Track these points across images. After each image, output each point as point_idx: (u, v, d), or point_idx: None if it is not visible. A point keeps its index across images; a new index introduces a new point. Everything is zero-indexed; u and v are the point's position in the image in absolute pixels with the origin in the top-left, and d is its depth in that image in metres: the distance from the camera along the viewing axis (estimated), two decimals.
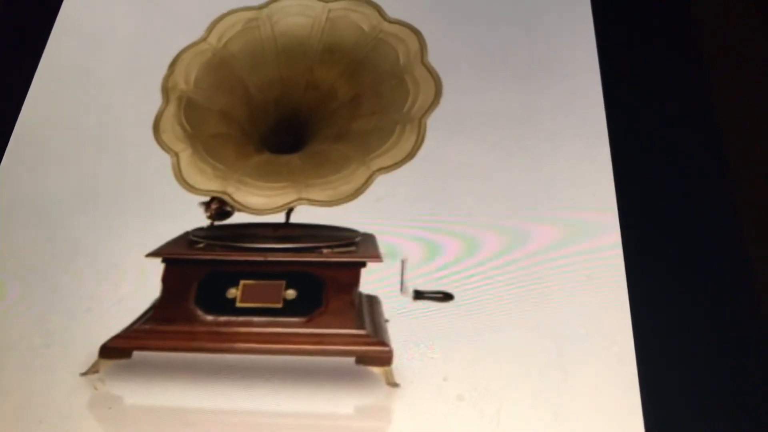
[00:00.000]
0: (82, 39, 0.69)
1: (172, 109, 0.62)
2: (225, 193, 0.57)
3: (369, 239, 0.55)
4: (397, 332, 0.51)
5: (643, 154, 0.57)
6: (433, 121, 0.59)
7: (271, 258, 0.54)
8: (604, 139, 0.58)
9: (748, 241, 0.53)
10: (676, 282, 0.52)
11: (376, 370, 0.49)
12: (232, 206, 0.57)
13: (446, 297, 0.51)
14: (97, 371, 0.51)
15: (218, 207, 0.57)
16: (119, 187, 0.60)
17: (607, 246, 0.53)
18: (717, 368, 0.49)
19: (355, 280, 0.52)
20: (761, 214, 0.55)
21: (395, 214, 0.56)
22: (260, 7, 0.66)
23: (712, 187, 0.56)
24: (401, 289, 0.52)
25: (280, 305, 0.52)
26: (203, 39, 0.65)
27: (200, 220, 0.57)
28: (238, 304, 0.52)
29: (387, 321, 0.51)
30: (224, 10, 0.67)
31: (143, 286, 0.54)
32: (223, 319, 0.52)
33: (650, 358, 0.48)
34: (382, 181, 0.57)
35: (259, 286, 0.53)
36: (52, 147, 0.63)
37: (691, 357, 0.49)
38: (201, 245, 0.55)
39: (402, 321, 0.51)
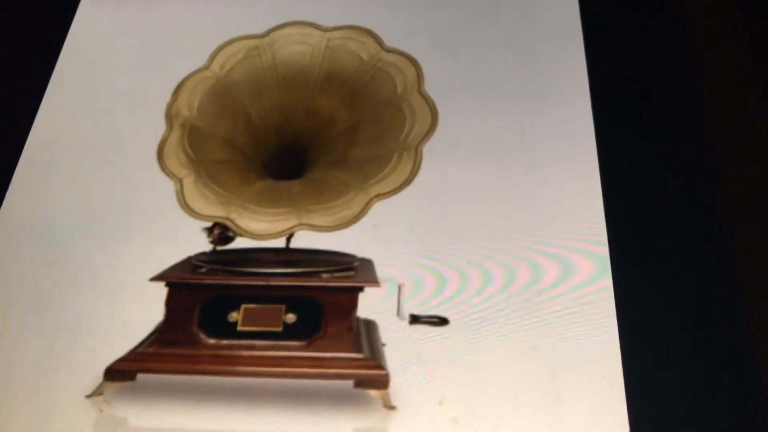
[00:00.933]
0: (90, 64, 0.71)
1: (175, 135, 0.64)
2: (228, 218, 0.59)
3: (367, 264, 0.56)
4: (393, 356, 0.52)
5: (634, 178, 0.59)
6: (429, 148, 0.61)
7: (272, 282, 0.55)
8: (594, 163, 0.59)
9: (737, 269, 0.55)
10: (664, 308, 0.53)
11: (374, 393, 0.51)
12: (234, 231, 0.58)
13: (442, 321, 0.53)
14: (101, 393, 0.52)
15: (221, 232, 0.58)
16: (124, 212, 0.61)
17: (598, 272, 0.54)
18: (704, 392, 0.50)
19: (353, 305, 0.54)
20: (752, 242, 0.57)
21: (393, 240, 0.57)
22: (262, 36, 0.68)
23: (702, 214, 0.57)
24: (398, 314, 0.53)
25: (280, 329, 0.53)
26: (206, 67, 0.67)
27: (203, 245, 0.58)
28: (240, 328, 0.54)
29: (384, 345, 0.53)
30: (227, 38, 0.68)
31: (147, 310, 0.55)
32: (225, 342, 0.53)
33: (638, 380, 0.49)
34: (379, 207, 0.58)
35: (259, 310, 0.54)
36: (59, 170, 0.64)
37: (678, 381, 0.50)
38: (204, 270, 0.56)
39: (399, 345, 0.52)
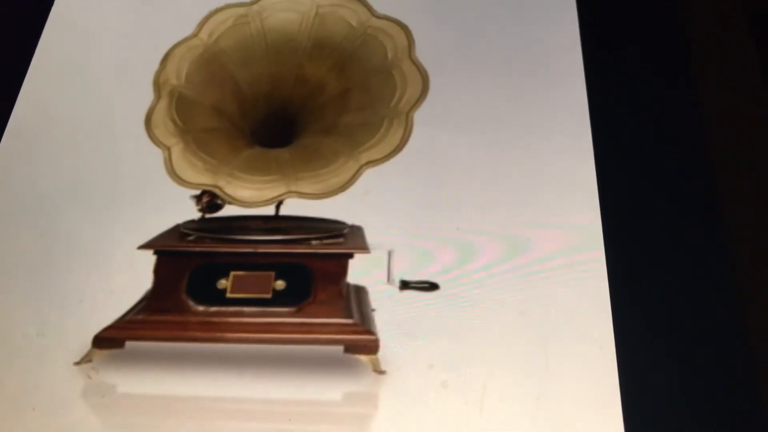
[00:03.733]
0: (75, 34, 0.70)
1: (163, 104, 0.63)
2: (216, 186, 0.58)
3: (357, 231, 0.56)
4: (383, 321, 0.52)
5: (626, 146, 0.58)
6: (420, 116, 0.60)
7: (260, 249, 0.55)
8: (588, 136, 0.59)
9: (728, 229, 0.55)
10: (656, 272, 0.53)
11: (364, 358, 0.51)
12: (222, 199, 0.58)
13: (432, 287, 0.53)
14: (90, 360, 0.52)
15: (209, 200, 0.58)
16: (112, 181, 0.61)
17: (589, 238, 0.54)
18: (693, 355, 0.50)
19: (343, 271, 0.54)
20: (746, 213, 0.56)
21: (383, 207, 0.57)
22: (250, 3, 0.67)
23: (696, 185, 0.57)
24: (388, 279, 0.53)
25: (269, 296, 0.53)
26: (194, 35, 0.66)
27: (191, 213, 0.58)
28: (229, 295, 0.53)
29: (374, 310, 0.52)
30: (216, 6, 0.67)
31: (135, 278, 0.55)
32: (213, 309, 0.53)
33: (629, 344, 0.49)
34: (370, 175, 0.58)
35: (248, 277, 0.54)
36: (45, 142, 0.63)
37: (668, 343, 0.50)
38: (192, 237, 0.56)
39: (388, 310, 0.52)
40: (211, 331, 0.53)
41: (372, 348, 0.51)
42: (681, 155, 0.58)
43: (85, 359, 0.52)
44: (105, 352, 0.52)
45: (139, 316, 0.53)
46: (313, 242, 0.55)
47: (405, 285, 0.53)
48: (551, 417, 0.48)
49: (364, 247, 0.54)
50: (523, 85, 0.62)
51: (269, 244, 0.55)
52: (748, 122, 0.61)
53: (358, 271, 0.54)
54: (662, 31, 0.64)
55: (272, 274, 0.54)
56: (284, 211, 0.58)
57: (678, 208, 0.56)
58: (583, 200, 0.55)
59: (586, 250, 0.53)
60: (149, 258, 0.56)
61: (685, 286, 0.52)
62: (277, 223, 0.57)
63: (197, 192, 0.58)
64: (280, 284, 0.53)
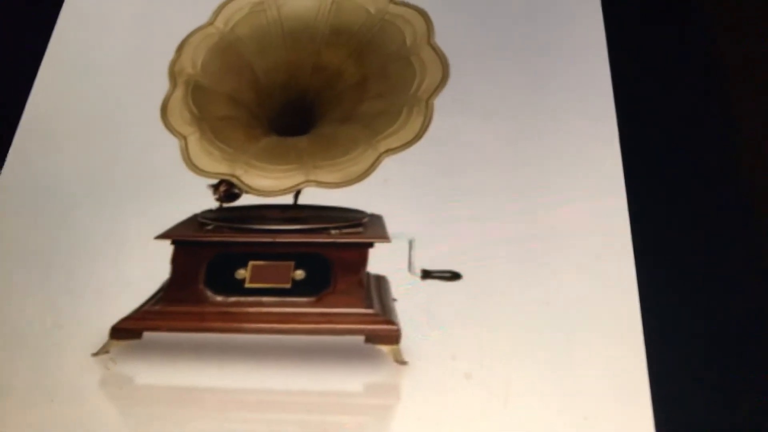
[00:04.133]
0: (89, 25, 0.69)
1: (179, 93, 0.62)
2: (233, 175, 0.57)
3: (377, 220, 0.55)
4: (405, 311, 0.51)
5: (651, 135, 0.57)
6: (440, 103, 0.59)
7: (279, 239, 0.54)
8: (613, 120, 0.57)
9: (757, 221, 0.53)
10: (684, 262, 0.52)
11: (385, 348, 0.50)
12: (240, 188, 0.57)
13: (454, 276, 0.51)
14: (107, 351, 0.52)
15: (226, 189, 0.57)
16: (128, 171, 0.60)
17: (616, 226, 0.52)
18: (723, 349, 0.49)
19: (363, 260, 0.53)
20: None
21: (403, 195, 0.56)
22: None
23: (720, 167, 0.56)
24: (409, 269, 0.52)
25: (288, 285, 0.52)
26: (210, 23, 0.65)
27: (209, 202, 0.57)
28: (247, 285, 0.53)
29: (395, 300, 0.51)
30: None
31: (153, 268, 0.54)
32: (232, 299, 0.52)
33: (658, 338, 0.48)
34: (389, 163, 0.57)
35: (267, 267, 0.53)
36: (61, 133, 0.63)
37: (698, 338, 0.49)
38: (210, 227, 0.55)
39: (410, 300, 0.51)
40: (229, 321, 0.52)
41: (393, 338, 0.50)
42: (708, 137, 0.57)
43: (103, 350, 0.52)
44: (123, 343, 0.52)
45: (157, 307, 0.53)
46: (333, 231, 0.54)
47: (427, 274, 0.52)
48: (577, 411, 0.46)
49: (384, 236, 0.53)
50: (544, 69, 0.61)
51: (288, 234, 0.54)
52: None
53: (379, 260, 0.53)
54: (693, 11, 0.63)
55: (291, 263, 0.53)
56: (303, 200, 0.57)
57: (707, 193, 0.54)
58: (609, 187, 0.54)
59: (613, 239, 0.52)
60: (166, 248, 0.55)
61: (717, 276, 0.51)
62: (295, 212, 0.56)
63: (214, 181, 0.58)
64: (299, 274, 0.52)
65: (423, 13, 0.63)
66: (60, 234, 0.58)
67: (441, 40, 0.62)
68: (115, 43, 0.68)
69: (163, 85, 0.63)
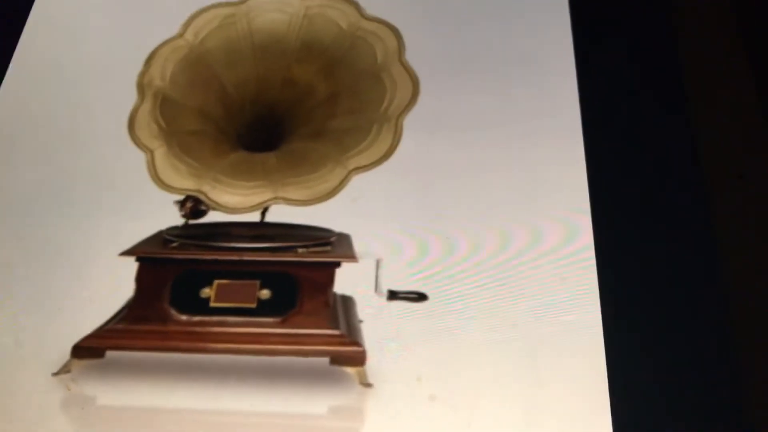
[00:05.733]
0: (57, 33, 0.68)
1: (147, 105, 0.62)
2: (200, 191, 0.57)
3: (344, 239, 0.55)
4: (371, 332, 0.51)
5: (618, 155, 0.58)
6: (410, 121, 0.59)
7: (245, 257, 0.53)
8: (579, 140, 0.58)
9: (719, 242, 0.54)
10: (647, 283, 0.52)
11: (350, 370, 0.50)
12: (207, 205, 0.57)
13: (420, 297, 0.52)
14: (69, 371, 0.51)
15: (193, 206, 0.56)
16: (93, 185, 0.59)
17: (580, 247, 0.53)
18: (686, 369, 0.49)
19: (330, 280, 0.52)
20: (733, 215, 0.56)
21: (371, 214, 0.56)
22: (238, 3, 0.66)
23: (685, 188, 0.56)
24: (376, 290, 0.52)
25: (254, 305, 0.52)
26: (180, 35, 0.64)
27: (175, 218, 0.57)
28: (212, 304, 0.52)
29: (361, 321, 0.51)
30: (202, 5, 0.66)
31: (116, 286, 0.54)
32: (197, 318, 0.52)
33: (620, 359, 0.49)
34: (358, 181, 0.57)
35: (233, 286, 0.52)
36: (25, 143, 0.62)
37: (661, 358, 0.50)
38: (175, 244, 0.54)
39: (376, 321, 0.51)
40: (194, 341, 0.51)
41: (359, 360, 0.50)
42: (672, 160, 0.57)
43: (64, 370, 0.51)
44: (84, 363, 0.51)
45: (120, 325, 0.52)
46: (300, 250, 0.53)
47: (393, 295, 0.52)
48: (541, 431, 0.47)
49: (351, 256, 0.53)
50: (514, 88, 0.61)
51: (254, 252, 0.54)
52: (739, 128, 0.60)
53: (346, 280, 0.53)
54: (655, 36, 0.64)
55: (257, 282, 0.52)
56: (270, 217, 0.57)
57: (669, 215, 0.55)
58: (575, 208, 0.55)
59: (578, 261, 0.52)
60: (131, 265, 0.54)
61: (678, 297, 0.51)
62: (262, 230, 0.56)
63: (181, 197, 0.57)
64: (265, 293, 0.52)
65: (394, 30, 0.63)
66: (22, 248, 0.57)
67: (411, 56, 0.62)
68: (83, 53, 0.67)
69: (131, 96, 0.62)
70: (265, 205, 0.56)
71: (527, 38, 0.63)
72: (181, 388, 0.50)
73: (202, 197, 0.57)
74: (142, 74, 0.63)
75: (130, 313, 0.53)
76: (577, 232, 0.54)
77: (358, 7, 0.64)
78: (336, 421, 0.48)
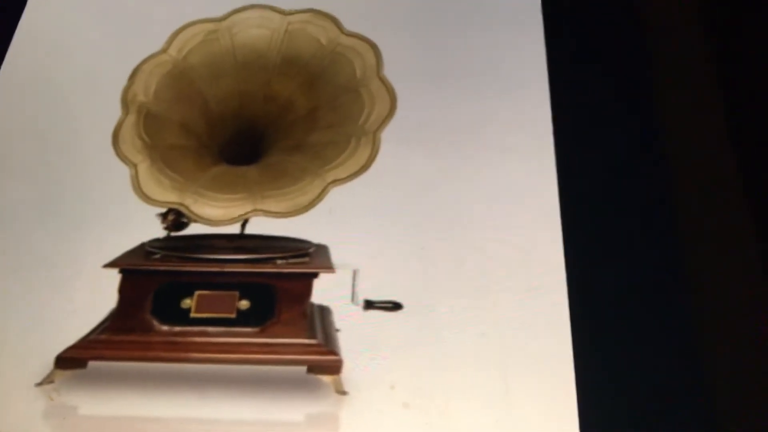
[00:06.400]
0: (44, 48, 0.69)
1: (131, 120, 0.63)
2: (182, 204, 0.58)
3: (322, 250, 0.56)
4: (347, 341, 0.52)
5: (588, 168, 0.59)
6: (387, 134, 0.61)
7: (226, 269, 0.55)
8: (551, 152, 0.59)
9: (690, 253, 0.55)
10: (616, 293, 0.54)
11: (327, 378, 0.51)
12: (188, 217, 0.58)
13: (395, 307, 0.53)
14: (52, 381, 0.52)
15: (175, 218, 0.58)
16: (76, 197, 0.60)
17: (550, 257, 0.54)
18: (654, 377, 0.51)
19: (308, 291, 0.54)
20: (701, 226, 0.57)
21: (348, 226, 0.57)
22: (221, 19, 0.67)
23: (655, 200, 0.58)
24: (352, 299, 0.53)
25: (233, 315, 0.53)
26: (163, 50, 0.66)
27: (157, 231, 0.58)
28: (193, 315, 0.53)
29: (338, 330, 0.53)
30: (185, 21, 0.67)
31: (99, 297, 0.55)
32: (178, 329, 0.53)
33: (587, 368, 0.50)
34: (336, 193, 0.58)
35: (213, 297, 0.54)
36: (9, 156, 0.63)
37: (629, 367, 0.51)
38: (157, 256, 0.56)
39: (352, 330, 0.52)
40: (175, 351, 0.52)
41: (335, 369, 0.51)
42: (644, 176, 0.59)
43: (47, 380, 0.52)
44: (67, 373, 0.52)
45: (103, 336, 0.53)
46: (279, 261, 0.55)
47: (369, 305, 0.53)
48: None
49: (329, 267, 0.55)
50: (489, 102, 0.63)
51: (235, 263, 0.55)
52: (705, 139, 0.62)
53: (323, 290, 0.54)
54: (627, 48, 0.65)
55: (236, 293, 0.53)
56: (250, 229, 0.58)
57: (640, 228, 0.56)
58: (546, 220, 0.56)
59: (547, 272, 0.54)
60: (114, 276, 0.55)
61: (645, 307, 0.53)
62: (242, 241, 0.57)
63: (163, 210, 0.58)
64: (244, 304, 0.53)
65: (373, 46, 0.64)
66: (5, 259, 0.58)
67: (389, 70, 0.63)
68: (70, 67, 0.68)
69: (115, 110, 0.63)
70: (245, 217, 0.58)
71: (501, 51, 0.65)
72: (163, 397, 0.51)
73: (184, 210, 0.58)
74: (126, 89, 0.65)
75: (112, 323, 0.54)
76: (547, 241, 0.55)
77: (337, 23, 0.66)
78: (313, 428, 0.49)
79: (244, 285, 0.54)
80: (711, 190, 0.59)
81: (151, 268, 0.55)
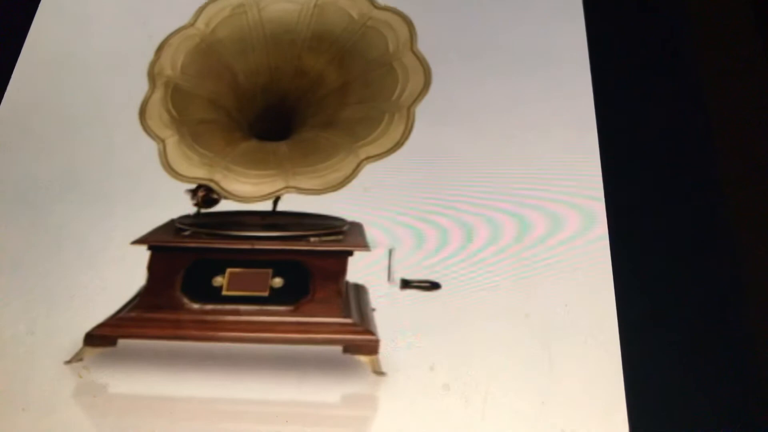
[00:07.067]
0: (68, 21, 0.68)
1: (158, 95, 0.61)
2: (212, 180, 0.57)
3: (356, 228, 0.54)
4: (383, 321, 0.50)
5: (631, 144, 0.57)
6: (421, 110, 0.59)
7: (257, 246, 0.53)
8: (593, 129, 0.58)
9: (736, 232, 0.54)
10: (661, 273, 0.52)
11: (363, 358, 0.49)
12: (218, 194, 0.56)
13: (433, 286, 0.51)
14: (81, 359, 0.51)
15: (205, 194, 0.56)
16: (105, 174, 0.59)
17: (594, 236, 0.53)
18: (699, 357, 0.49)
19: (342, 269, 0.52)
20: (749, 205, 0.55)
21: (384, 203, 0.56)
22: None
23: (700, 178, 0.56)
24: (388, 278, 0.52)
25: (266, 294, 0.52)
26: (191, 24, 0.64)
27: (187, 207, 0.56)
28: (225, 293, 0.52)
29: (374, 310, 0.51)
30: None
31: (129, 274, 0.54)
32: (209, 307, 0.52)
33: (634, 348, 0.48)
34: (370, 170, 0.57)
35: (245, 275, 0.52)
36: (37, 132, 0.62)
37: (674, 346, 0.49)
38: (187, 233, 0.54)
39: (389, 310, 0.51)
40: (206, 329, 0.51)
41: (372, 348, 0.49)
42: (686, 149, 0.57)
43: (76, 358, 0.51)
44: (97, 351, 0.51)
45: (132, 314, 0.52)
46: (312, 239, 0.53)
47: (406, 284, 0.52)
48: (555, 421, 0.46)
49: (363, 245, 0.53)
50: (526, 78, 0.61)
51: (267, 241, 0.54)
52: (752, 118, 0.60)
53: (358, 269, 0.53)
54: (672, 23, 0.63)
55: (270, 271, 0.52)
56: (282, 206, 0.56)
57: (685, 206, 0.54)
58: (588, 198, 0.54)
59: (592, 251, 0.52)
60: (143, 253, 0.54)
61: (693, 284, 0.51)
62: (274, 219, 0.56)
63: (193, 186, 0.57)
64: (277, 282, 0.52)
65: (406, 19, 0.62)
66: (34, 237, 0.56)
67: (423, 45, 0.62)
68: (94, 42, 0.67)
69: (142, 85, 0.62)
70: (277, 194, 0.56)
71: (539, 26, 0.63)
72: (193, 377, 0.50)
73: (213, 186, 0.56)
74: (153, 63, 0.63)
75: (142, 301, 0.52)
76: (590, 220, 0.53)
77: None
78: (349, 409, 0.48)
79: (277, 263, 0.53)
80: (760, 159, 0.57)
81: (182, 245, 0.54)
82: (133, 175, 0.58)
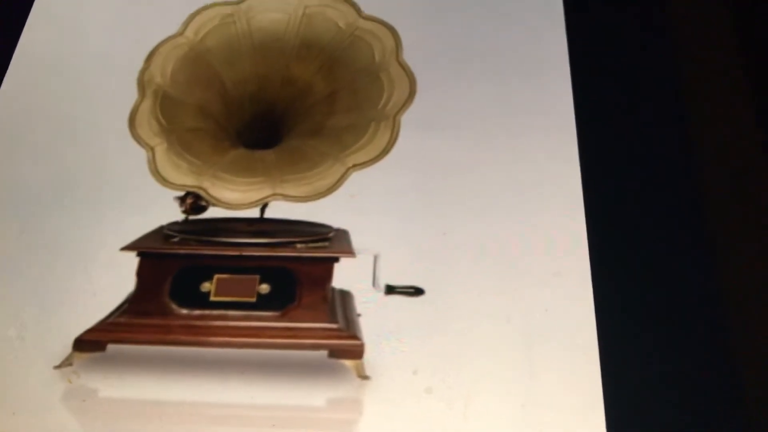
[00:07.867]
0: (59, 28, 0.69)
1: (148, 103, 0.62)
2: (200, 187, 0.58)
3: (342, 235, 0.55)
4: (369, 326, 0.52)
5: (611, 152, 0.59)
6: (407, 117, 0.60)
7: (245, 253, 0.54)
8: (573, 136, 0.59)
9: (713, 238, 0.55)
10: (639, 278, 0.53)
11: (348, 363, 0.50)
12: (207, 201, 0.57)
13: (417, 291, 0.52)
14: (71, 364, 0.51)
15: (193, 201, 0.57)
16: (95, 180, 0.60)
17: (574, 242, 0.54)
18: (676, 360, 0.50)
19: (328, 275, 0.53)
20: (727, 210, 0.57)
21: (369, 210, 0.57)
22: (238, 2, 0.67)
23: (679, 185, 0.57)
24: (373, 284, 0.53)
25: (254, 299, 0.53)
26: (180, 33, 0.65)
27: (175, 214, 0.57)
28: (213, 298, 0.53)
29: (359, 315, 0.52)
30: (202, 3, 0.67)
31: (118, 280, 0.54)
32: (197, 312, 0.53)
33: (612, 351, 0.49)
34: (356, 177, 0.58)
35: (233, 281, 0.53)
36: (27, 138, 0.62)
37: (651, 350, 0.50)
38: (176, 239, 0.55)
39: (374, 315, 0.52)
40: (194, 334, 0.52)
41: (356, 353, 0.50)
42: (667, 159, 0.58)
43: (66, 363, 0.51)
44: (86, 356, 0.52)
45: (122, 319, 0.53)
46: (299, 246, 0.54)
47: (390, 289, 0.53)
48: (535, 425, 0.48)
49: (349, 251, 0.54)
50: (510, 87, 0.62)
51: (254, 247, 0.55)
52: (732, 123, 0.61)
53: (344, 275, 0.54)
54: (653, 33, 0.65)
55: (257, 277, 0.53)
56: (269, 213, 0.57)
57: (663, 213, 0.56)
58: (569, 205, 0.55)
59: (572, 256, 0.53)
60: (132, 259, 0.55)
61: (671, 292, 0.52)
62: (262, 225, 0.57)
63: (181, 193, 0.58)
64: (264, 288, 0.53)
65: (392, 30, 0.64)
66: (24, 242, 0.57)
67: (409, 55, 0.63)
68: (86, 48, 0.67)
69: (132, 93, 0.63)
70: (264, 201, 0.57)
71: (523, 35, 0.64)
72: (182, 381, 0.51)
73: (202, 193, 0.57)
74: (143, 72, 0.64)
75: (131, 306, 0.53)
76: (570, 226, 0.54)
77: (355, 7, 0.65)
78: (334, 413, 0.49)
79: (264, 269, 0.53)
80: (740, 168, 0.58)
81: (170, 251, 0.55)
82: (123, 182, 0.59)
